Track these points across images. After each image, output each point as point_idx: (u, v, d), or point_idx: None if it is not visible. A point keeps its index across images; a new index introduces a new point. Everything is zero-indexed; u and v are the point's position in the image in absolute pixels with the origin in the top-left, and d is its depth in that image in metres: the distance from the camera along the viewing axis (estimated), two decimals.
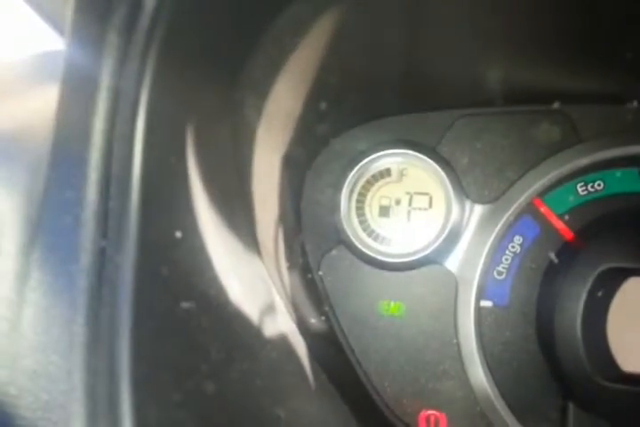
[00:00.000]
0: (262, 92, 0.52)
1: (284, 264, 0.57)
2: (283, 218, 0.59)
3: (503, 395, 0.62)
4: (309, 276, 0.62)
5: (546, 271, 0.63)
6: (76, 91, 0.39)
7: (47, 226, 0.35)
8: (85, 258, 0.33)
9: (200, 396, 0.37)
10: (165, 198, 0.38)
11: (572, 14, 0.53)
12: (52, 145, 0.38)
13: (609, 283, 0.58)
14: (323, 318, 0.60)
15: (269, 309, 0.49)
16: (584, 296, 0.59)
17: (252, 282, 0.48)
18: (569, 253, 0.62)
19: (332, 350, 0.60)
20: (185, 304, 0.38)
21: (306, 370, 0.51)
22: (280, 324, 0.50)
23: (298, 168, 0.63)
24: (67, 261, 0.33)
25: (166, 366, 0.36)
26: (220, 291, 0.42)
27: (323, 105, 0.62)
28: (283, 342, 0.48)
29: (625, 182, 0.63)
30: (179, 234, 0.39)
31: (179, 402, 0.34)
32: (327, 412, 0.51)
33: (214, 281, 0.42)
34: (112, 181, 0.36)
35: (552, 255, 0.61)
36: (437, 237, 0.65)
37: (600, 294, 0.58)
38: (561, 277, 0.62)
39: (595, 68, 0.61)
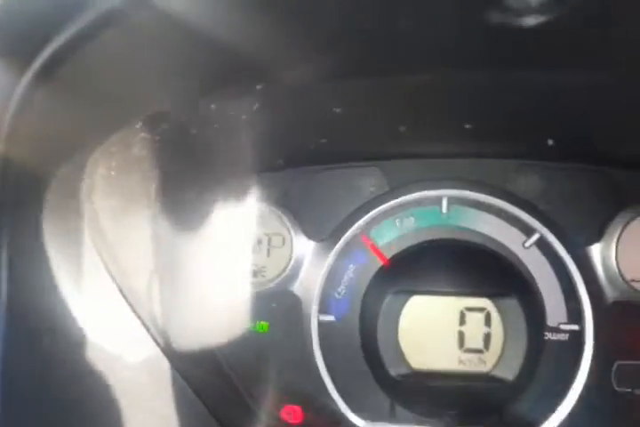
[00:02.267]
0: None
1: (156, 304, 0.75)
2: (156, 268, 0.77)
3: (340, 391, 0.80)
4: (184, 308, 0.80)
5: (366, 291, 0.80)
6: None
7: None
8: None
9: (53, 406, 0.55)
10: (30, 280, 0.56)
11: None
12: None
13: (399, 300, 0.76)
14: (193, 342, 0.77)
15: (132, 340, 0.67)
16: (382, 311, 0.76)
17: (115, 323, 0.65)
18: (381, 277, 0.80)
19: (200, 365, 0.78)
20: (45, 341, 0.55)
21: (167, 384, 0.69)
22: (143, 350, 0.68)
23: (172, 223, 0.81)
24: None
25: (30, 385, 0.53)
26: (82, 335, 0.60)
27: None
28: (143, 364, 0.66)
29: (429, 218, 0.81)
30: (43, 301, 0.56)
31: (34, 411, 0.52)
32: (186, 414, 0.68)
33: (76, 329, 0.59)
34: None
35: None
36: (285, 268, 0.83)
37: (392, 309, 0.75)
38: (375, 295, 0.80)
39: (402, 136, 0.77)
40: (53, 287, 0.60)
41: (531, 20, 0.33)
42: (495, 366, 0.74)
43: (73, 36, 0.43)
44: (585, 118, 0.68)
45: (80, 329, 0.62)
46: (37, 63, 0.47)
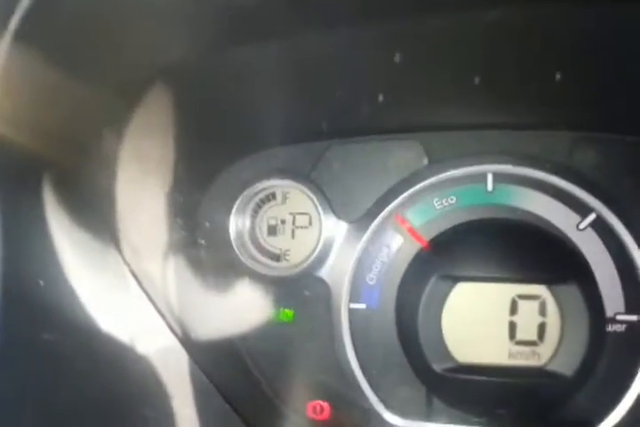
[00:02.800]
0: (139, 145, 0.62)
1: (172, 288, 0.67)
2: (172, 246, 0.69)
3: (372, 386, 0.72)
4: (203, 294, 0.73)
5: (403, 277, 0.73)
6: None
7: None
8: None
9: (60, 405, 0.48)
10: (27, 256, 0.48)
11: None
12: None
13: (442, 288, 0.68)
14: (212, 331, 0.70)
15: (145, 330, 0.59)
16: (423, 299, 0.69)
17: (126, 310, 0.58)
18: (419, 261, 0.72)
19: (219, 357, 0.70)
20: (47, 336, 0.48)
21: (185, 377, 0.62)
22: (157, 341, 0.61)
23: (189, 199, 0.73)
24: None
25: (29, 384, 0.46)
26: (88, 321, 0.52)
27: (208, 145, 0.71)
28: (157, 355, 0.59)
29: (473, 196, 0.73)
30: (42, 282, 0.49)
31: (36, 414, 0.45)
32: (205, 411, 0.61)
33: (81, 314, 0.52)
34: None
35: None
36: (312, 252, 0.76)
37: (435, 297, 0.68)
38: (413, 282, 0.72)
39: (447, 102, 0.69)
40: (56, 267, 0.52)
41: None
42: (551, 359, 0.66)
43: None
44: None
45: (87, 315, 0.54)
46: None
